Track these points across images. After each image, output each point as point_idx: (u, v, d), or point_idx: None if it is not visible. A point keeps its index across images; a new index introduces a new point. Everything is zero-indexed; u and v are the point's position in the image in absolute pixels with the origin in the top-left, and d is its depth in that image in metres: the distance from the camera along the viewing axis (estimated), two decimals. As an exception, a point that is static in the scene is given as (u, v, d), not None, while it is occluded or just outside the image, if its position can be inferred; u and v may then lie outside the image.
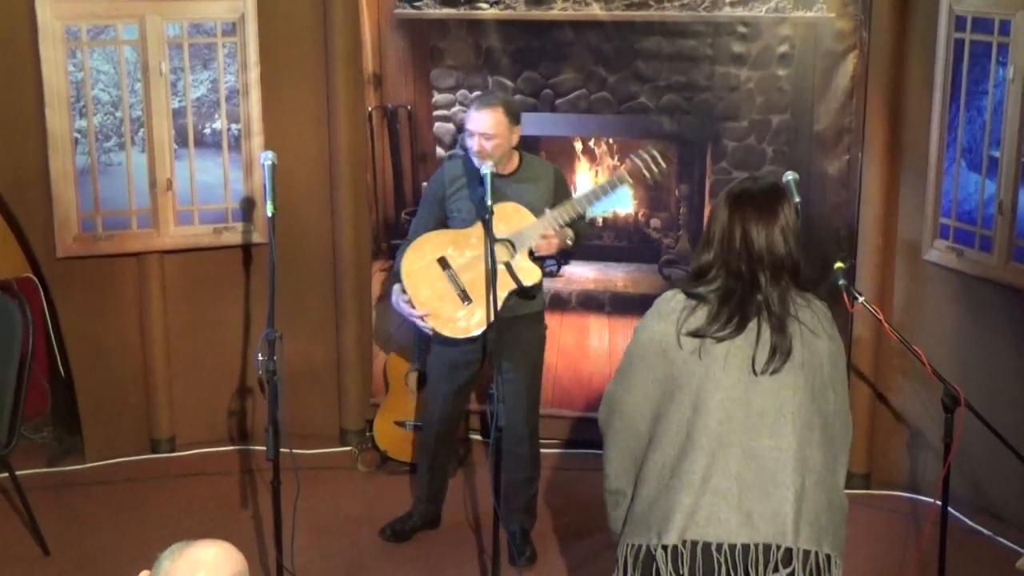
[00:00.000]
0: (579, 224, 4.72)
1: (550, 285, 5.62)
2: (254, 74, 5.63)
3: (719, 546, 2.91)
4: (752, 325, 2.98)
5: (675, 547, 2.93)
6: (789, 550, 2.90)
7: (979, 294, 5.08)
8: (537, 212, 4.57)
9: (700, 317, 3.01)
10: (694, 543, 2.92)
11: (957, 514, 5.01)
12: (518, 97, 5.62)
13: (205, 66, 5.60)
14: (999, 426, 4.49)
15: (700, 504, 2.92)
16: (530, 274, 4.58)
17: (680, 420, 2.99)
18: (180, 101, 5.59)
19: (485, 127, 4.49)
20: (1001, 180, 4.88)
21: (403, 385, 5.56)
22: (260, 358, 4.21)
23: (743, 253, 3.03)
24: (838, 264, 4.56)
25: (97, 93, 5.49)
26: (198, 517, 5.21)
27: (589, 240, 5.15)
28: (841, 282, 4.48)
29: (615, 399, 3.20)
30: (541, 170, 4.74)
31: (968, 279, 5.11)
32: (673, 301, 3.10)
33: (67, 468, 5.71)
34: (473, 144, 4.52)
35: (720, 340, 2.97)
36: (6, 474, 4.97)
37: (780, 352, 2.97)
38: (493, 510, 4.22)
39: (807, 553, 2.92)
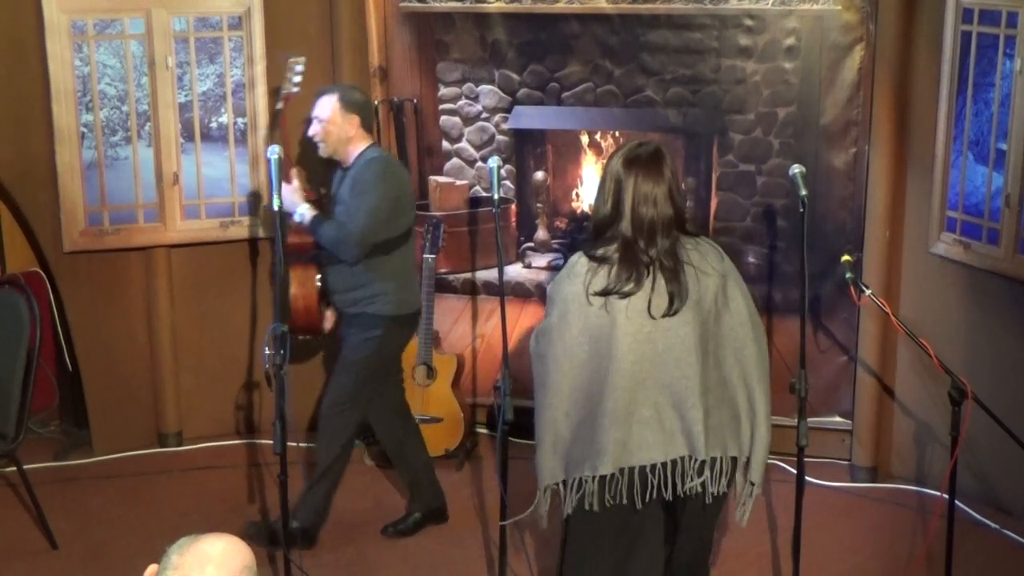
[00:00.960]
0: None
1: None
2: (260, 68, 5.63)
3: (652, 467, 3.45)
4: (648, 279, 3.43)
5: (612, 475, 3.43)
6: (703, 462, 3.45)
7: (986, 287, 5.08)
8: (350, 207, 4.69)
9: (603, 277, 3.44)
10: (630, 469, 3.44)
11: (964, 507, 5.00)
12: (524, 90, 5.62)
13: (211, 60, 5.60)
14: (1006, 419, 4.48)
15: (630, 435, 3.43)
16: None
17: (599, 367, 3.44)
18: (186, 95, 5.59)
19: (317, 111, 4.76)
20: (1008, 173, 4.87)
21: (410, 378, 5.56)
22: (267, 352, 4.21)
23: (636, 214, 3.45)
24: (845, 257, 4.56)
25: (103, 87, 5.49)
26: (205, 511, 5.22)
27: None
28: (848, 275, 4.48)
29: (547, 357, 3.53)
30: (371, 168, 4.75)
31: (975, 272, 5.10)
32: (578, 265, 3.49)
33: (74, 462, 5.72)
34: (310, 128, 4.78)
35: (623, 296, 3.42)
36: (14, 468, 4.97)
37: (677, 298, 3.43)
38: (500, 502, 4.22)
39: (714, 459, 3.47)
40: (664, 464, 3.44)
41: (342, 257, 4.69)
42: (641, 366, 3.43)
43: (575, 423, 3.50)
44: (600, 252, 3.46)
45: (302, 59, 5.02)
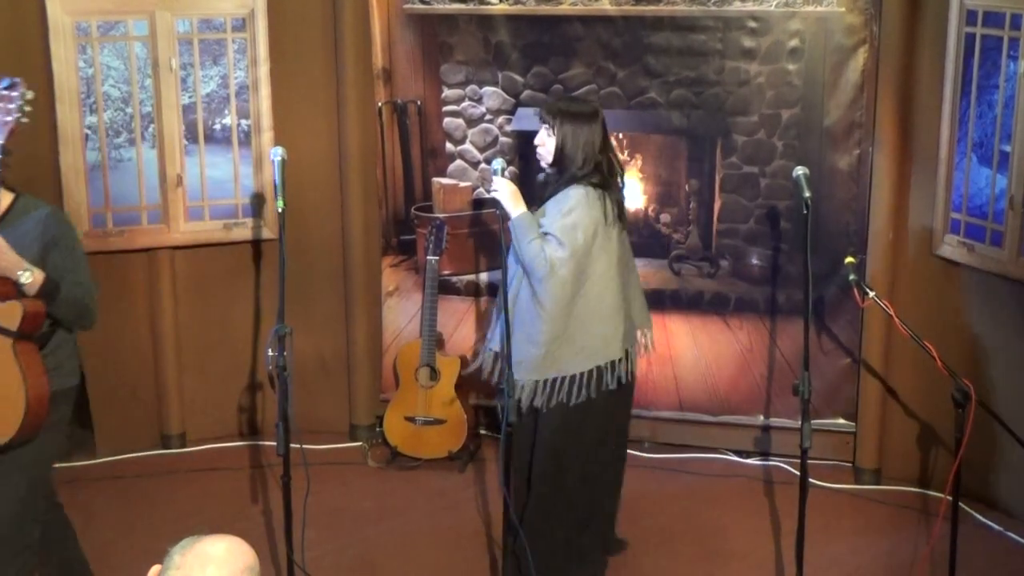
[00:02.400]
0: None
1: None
2: (264, 70, 5.63)
3: (634, 345, 4.65)
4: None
5: (620, 358, 4.46)
6: (646, 332, 4.83)
7: (990, 289, 5.07)
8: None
9: (607, 205, 4.36)
10: (627, 350, 4.51)
11: (968, 509, 5.00)
12: (527, 92, 5.62)
13: (215, 62, 5.61)
14: (1010, 421, 4.49)
15: (627, 325, 4.52)
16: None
17: (607, 274, 4.39)
18: (190, 97, 5.59)
19: None
20: (1012, 175, 4.87)
21: (413, 380, 5.57)
22: (270, 353, 4.21)
23: (604, 157, 4.42)
24: (849, 259, 4.56)
25: (107, 89, 5.49)
26: (208, 512, 5.22)
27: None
28: (852, 277, 4.48)
29: (578, 271, 4.33)
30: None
31: (979, 274, 5.09)
32: (594, 195, 4.34)
33: (78, 463, 5.72)
34: None
35: (608, 220, 4.36)
36: (17, 469, 4.97)
37: (623, 221, 4.49)
38: (503, 503, 4.22)
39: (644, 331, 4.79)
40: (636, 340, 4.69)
41: (86, 325, 3.96)
42: (621, 270, 4.47)
43: (596, 322, 4.42)
44: (596, 181, 4.36)
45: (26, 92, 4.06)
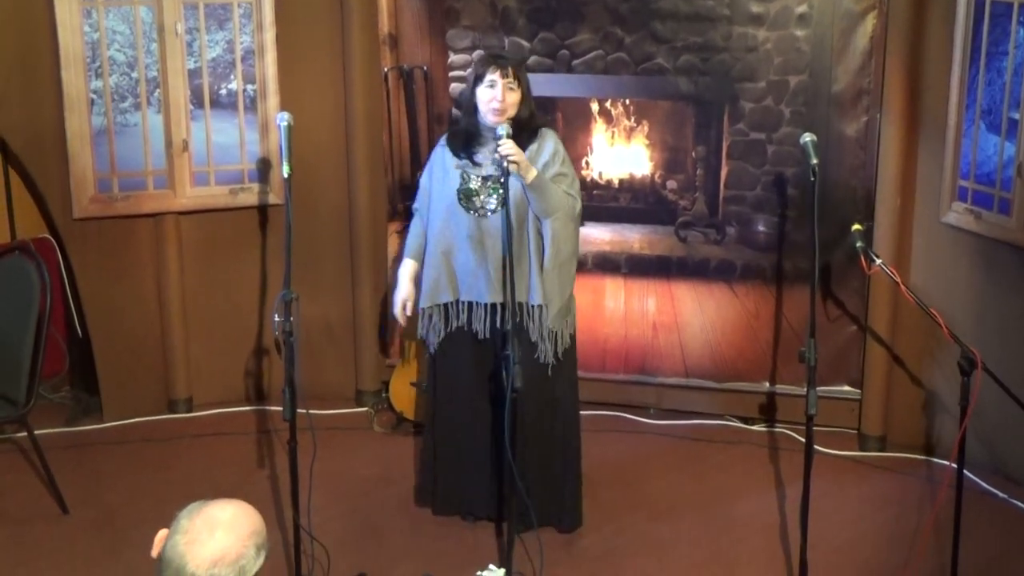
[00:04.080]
0: None
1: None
2: (270, 35, 5.61)
3: None
4: None
5: None
6: None
7: (997, 257, 5.06)
8: None
9: None
10: None
11: (972, 477, 5.00)
12: (534, 58, 5.59)
13: (221, 26, 5.58)
14: (1016, 389, 4.48)
15: None
16: None
17: None
18: (196, 62, 5.58)
19: None
20: (1021, 142, 4.85)
21: (419, 346, 5.57)
22: (277, 319, 4.21)
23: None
24: (856, 226, 4.55)
25: (113, 54, 5.48)
26: (215, 477, 5.24)
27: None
28: (859, 244, 4.47)
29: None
30: None
31: (986, 241, 5.08)
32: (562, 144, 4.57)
33: (85, 428, 5.75)
34: None
35: None
36: (25, 433, 5.00)
37: None
38: (509, 470, 4.23)
39: None
40: None
41: None
42: None
43: None
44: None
45: None
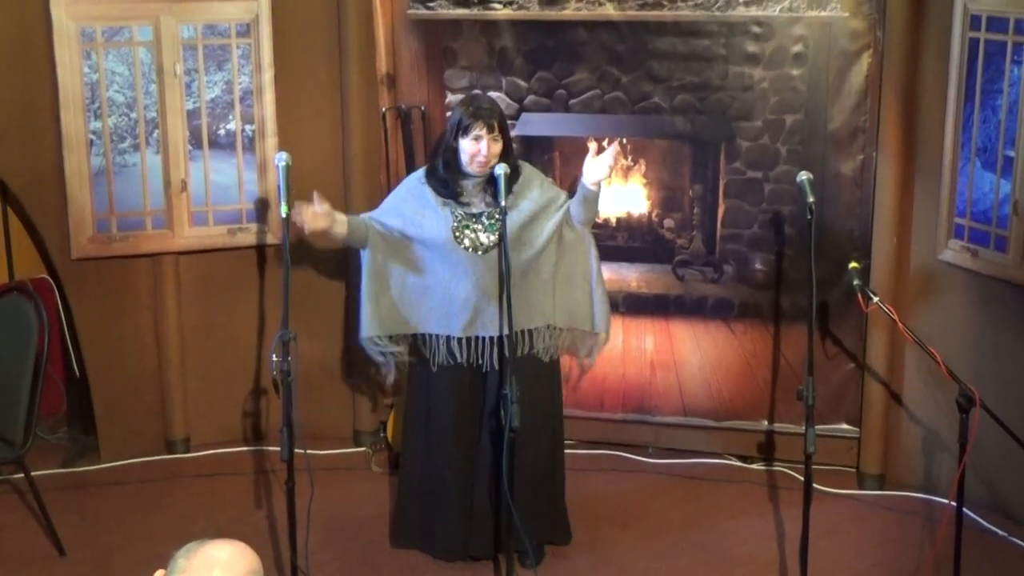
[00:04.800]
0: None
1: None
2: (268, 75, 5.64)
3: None
4: None
5: None
6: None
7: (994, 294, 5.07)
8: None
9: None
10: None
11: (972, 515, 4.99)
12: (531, 97, 5.62)
13: (219, 67, 5.61)
14: (1014, 426, 4.48)
15: None
16: None
17: None
18: (194, 102, 5.60)
19: None
20: (1016, 179, 4.87)
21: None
22: (274, 359, 4.21)
23: None
24: (852, 264, 4.57)
25: (112, 94, 5.50)
26: (213, 517, 5.22)
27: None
28: (856, 282, 4.49)
29: None
30: None
31: (983, 279, 5.09)
32: None
33: (82, 468, 5.73)
34: None
35: None
36: (21, 474, 4.99)
37: None
38: (507, 508, 4.22)
39: None
40: None
41: None
42: None
43: None
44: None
45: None
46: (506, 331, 4.41)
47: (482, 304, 4.55)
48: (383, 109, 5.76)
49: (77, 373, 5.82)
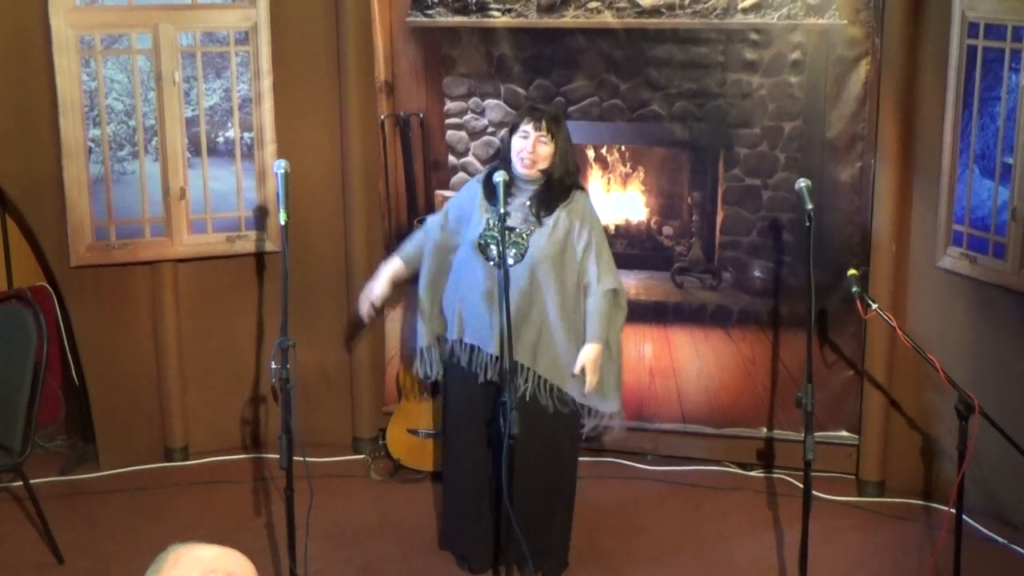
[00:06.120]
0: None
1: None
2: (267, 83, 5.64)
3: None
4: None
5: None
6: None
7: (992, 301, 5.07)
8: None
9: None
10: None
11: (971, 522, 4.99)
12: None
13: (218, 75, 5.62)
14: (1014, 433, 4.48)
15: None
16: None
17: None
18: (193, 110, 5.60)
19: None
20: (1014, 186, 4.87)
21: (416, 393, 5.56)
22: (273, 366, 4.21)
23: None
24: (851, 271, 4.57)
25: (111, 102, 5.50)
26: (211, 525, 5.22)
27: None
28: (855, 289, 4.48)
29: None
30: None
31: (982, 286, 5.09)
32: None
33: (81, 476, 5.72)
34: None
35: None
36: (20, 482, 4.97)
37: None
38: (507, 517, 4.22)
39: None
40: None
41: None
42: None
43: None
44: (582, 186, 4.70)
45: None
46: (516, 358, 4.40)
47: (487, 319, 4.54)
48: (382, 116, 5.77)
49: (76, 381, 5.81)
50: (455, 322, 4.62)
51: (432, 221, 4.79)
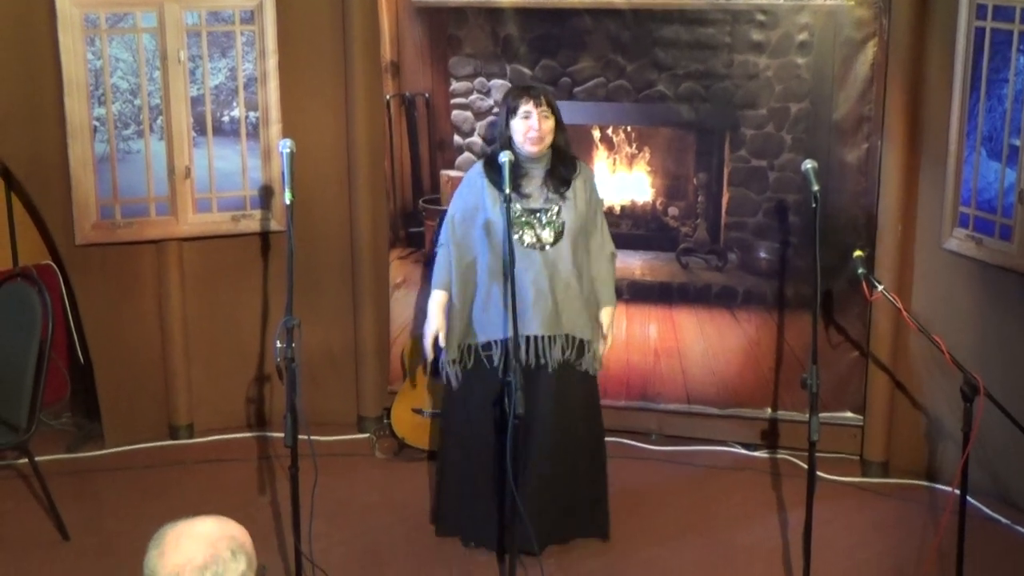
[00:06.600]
0: None
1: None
2: (272, 62, 5.63)
3: None
4: None
5: None
6: None
7: (998, 283, 5.07)
8: None
9: None
10: None
11: (976, 503, 5.00)
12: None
13: (223, 54, 5.61)
14: (1018, 414, 4.48)
15: None
16: None
17: None
18: (198, 89, 5.60)
19: None
20: (1022, 168, 4.86)
21: (421, 372, 5.57)
22: (278, 345, 4.21)
23: None
24: (857, 252, 4.56)
25: (116, 81, 5.50)
26: (216, 503, 5.20)
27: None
28: (860, 271, 4.48)
29: None
30: None
31: (987, 268, 5.09)
32: None
33: (86, 454, 5.74)
34: None
35: None
36: (26, 460, 4.99)
37: None
38: (511, 496, 4.22)
39: None
40: None
41: None
42: None
43: None
44: None
45: None
46: (540, 331, 4.51)
47: (539, 302, 4.54)
48: (387, 96, 5.76)
49: (81, 359, 5.82)
50: (488, 322, 4.61)
51: (444, 237, 4.73)
